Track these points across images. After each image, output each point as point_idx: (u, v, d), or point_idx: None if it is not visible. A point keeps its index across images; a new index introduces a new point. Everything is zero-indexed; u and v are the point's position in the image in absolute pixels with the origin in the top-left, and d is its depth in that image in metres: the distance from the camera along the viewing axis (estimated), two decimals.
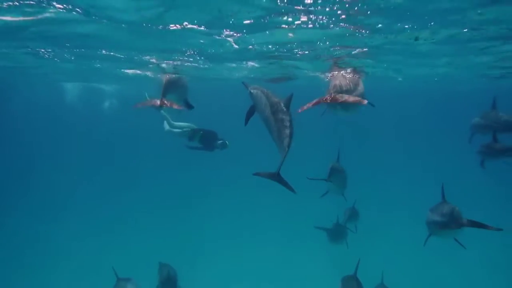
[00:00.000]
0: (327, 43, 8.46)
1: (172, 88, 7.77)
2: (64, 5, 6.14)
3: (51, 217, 18.19)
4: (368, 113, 7.37)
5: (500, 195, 19.89)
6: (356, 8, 6.05)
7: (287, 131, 4.93)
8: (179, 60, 11.08)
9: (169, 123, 10.80)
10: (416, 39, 7.94)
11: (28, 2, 5.99)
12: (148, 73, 13.72)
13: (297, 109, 5.80)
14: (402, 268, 12.56)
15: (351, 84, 6.67)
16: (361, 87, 7.03)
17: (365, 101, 5.90)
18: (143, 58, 11.05)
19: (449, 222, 5.72)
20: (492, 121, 8.18)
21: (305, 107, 6.05)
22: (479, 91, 15.94)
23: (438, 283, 13.36)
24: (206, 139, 10.53)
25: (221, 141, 10.49)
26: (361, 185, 13.19)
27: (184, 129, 10.75)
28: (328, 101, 6.16)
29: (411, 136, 31.74)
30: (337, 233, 10.31)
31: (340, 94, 6.19)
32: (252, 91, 5.77)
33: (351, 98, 6.10)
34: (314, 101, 6.20)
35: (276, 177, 4.70)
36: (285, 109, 5.13)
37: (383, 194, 20.84)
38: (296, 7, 6.01)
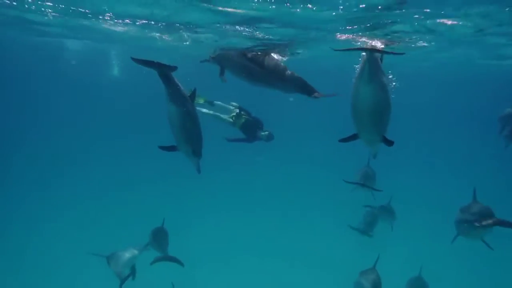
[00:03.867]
0: None
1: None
2: None
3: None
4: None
5: None
6: None
7: None
8: None
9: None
10: None
11: None
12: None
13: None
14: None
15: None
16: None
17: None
18: None
19: (479, 221, 5.71)
20: None
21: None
22: None
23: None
24: (249, 127, 8.96)
25: (267, 132, 8.96)
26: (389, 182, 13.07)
27: (229, 113, 9.18)
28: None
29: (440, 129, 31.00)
30: (386, 212, 10.26)
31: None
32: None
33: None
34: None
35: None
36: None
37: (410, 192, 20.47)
38: None
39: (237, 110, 9.14)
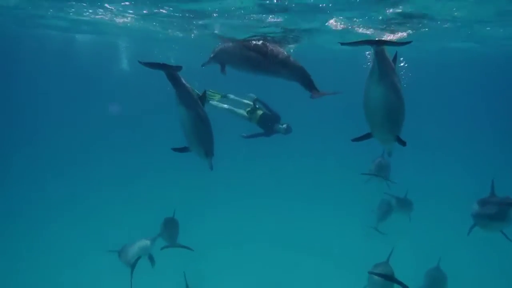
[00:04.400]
0: None
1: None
2: None
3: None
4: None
5: None
6: None
7: None
8: None
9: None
10: None
11: None
12: None
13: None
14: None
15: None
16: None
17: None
18: None
19: (496, 215, 5.57)
20: None
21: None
22: None
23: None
24: (266, 121, 8.76)
25: (285, 124, 8.78)
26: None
27: (244, 108, 8.95)
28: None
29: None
30: (404, 203, 10.20)
31: None
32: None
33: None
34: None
35: None
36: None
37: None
38: None
39: (252, 104, 8.92)
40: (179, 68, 4.97)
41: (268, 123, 8.72)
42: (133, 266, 7.36)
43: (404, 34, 10.14)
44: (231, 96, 9.13)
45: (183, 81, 5.21)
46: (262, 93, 9.26)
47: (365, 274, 6.04)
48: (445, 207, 16.75)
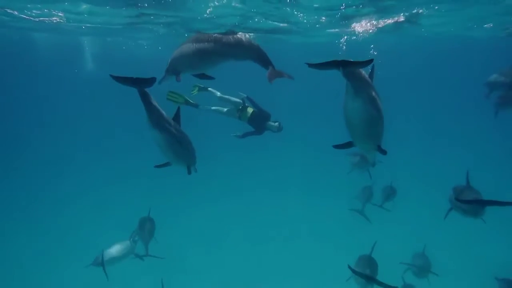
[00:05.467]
0: None
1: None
2: None
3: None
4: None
5: None
6: None
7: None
8: None
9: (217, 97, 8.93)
10: None
11: None
12: None
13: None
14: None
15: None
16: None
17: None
18: None
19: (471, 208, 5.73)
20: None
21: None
22: None
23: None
24: (257, 120, 8.65)
25: (276, 122, 8.68)
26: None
27: (233, 105, 8.79)
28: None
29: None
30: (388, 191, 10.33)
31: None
32: None
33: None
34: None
35: None
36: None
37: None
38: None
39: (241, 102, 8.79)
40: (152, 80, 4.74)
41: (259, 121, 8.63)
42: (103, 267, 7.74)
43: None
44: (218, 94, 8.97)
45: (154, 102, 5.04)
46: (249, 91, 9.13)
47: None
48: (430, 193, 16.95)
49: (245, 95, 8.83)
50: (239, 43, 5.73)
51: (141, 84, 4.78)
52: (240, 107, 8.72)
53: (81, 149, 23.32)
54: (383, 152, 4.42)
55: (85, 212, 15.99)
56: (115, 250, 8.17)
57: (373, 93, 4.13)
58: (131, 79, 4.64)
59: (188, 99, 8.49)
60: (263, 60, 5.65)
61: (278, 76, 5.54)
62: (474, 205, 5.75)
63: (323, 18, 11.24)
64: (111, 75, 4.54)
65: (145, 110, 5.00)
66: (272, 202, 17.04)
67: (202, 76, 6.40)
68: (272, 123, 8.67)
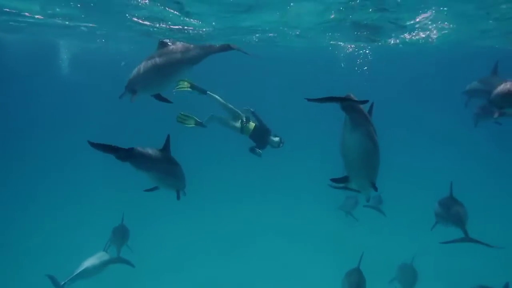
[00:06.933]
0: None
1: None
2: None
3: None
4: None
5: None
6: None
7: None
8: None
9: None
10: None
11: None
12: None
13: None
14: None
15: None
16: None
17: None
18: None
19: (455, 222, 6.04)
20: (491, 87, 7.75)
21: None
22: None
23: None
24: (259, 135, 8.58)
25: (277, 137, 8.68)
26: None
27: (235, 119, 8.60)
28: None
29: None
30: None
31: None
32: None
33: None
34: None
35: None
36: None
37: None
38: None
39: (242, 115, 8.58)
40: (130, 151, 4.65)
41: (261, 136, 8.56)
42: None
43: None
44: (218, 98, 8.57)
45: (140, 149, 4.90)
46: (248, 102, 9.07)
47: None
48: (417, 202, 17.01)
49: (253, 109, 8.69)
50: (198, 47, 5.63)
51: (119, 152, 4.57)
52: (244, 120, 8.57)
53: (74, 152, 23.10)
54: (375, 188, 4.48)
55: (81, 215, 15.99)
56: (90, 263, 7.93)
57: (371, 128, 4.21)
58: (109, 147, 4.42)
59: (198, 119, 8.13)
60: (217, 50, 5.57)
61: (239, 49, 5.53)
62: (458, 219, 5.92)
63: None
64: (89, 142, 4.23)
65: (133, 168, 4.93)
66: (260, 208, 17.03)
67: (160, 98, 6.10)
68: (273, 138, 8.62)
